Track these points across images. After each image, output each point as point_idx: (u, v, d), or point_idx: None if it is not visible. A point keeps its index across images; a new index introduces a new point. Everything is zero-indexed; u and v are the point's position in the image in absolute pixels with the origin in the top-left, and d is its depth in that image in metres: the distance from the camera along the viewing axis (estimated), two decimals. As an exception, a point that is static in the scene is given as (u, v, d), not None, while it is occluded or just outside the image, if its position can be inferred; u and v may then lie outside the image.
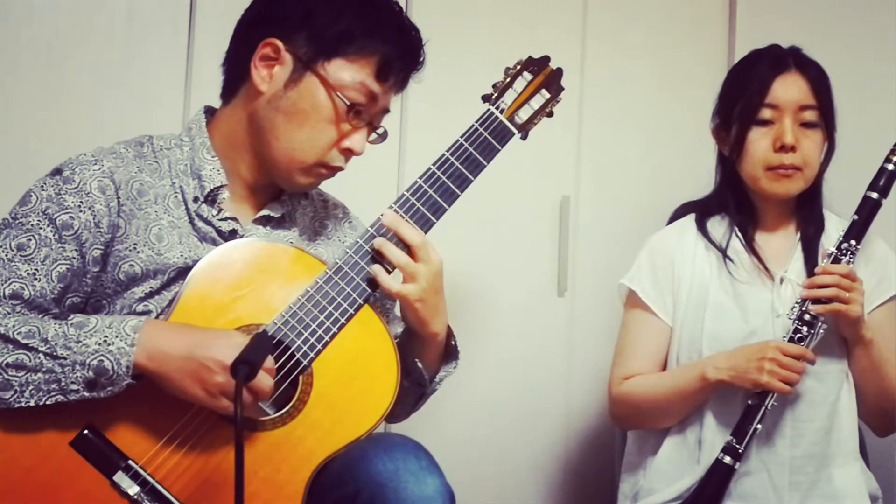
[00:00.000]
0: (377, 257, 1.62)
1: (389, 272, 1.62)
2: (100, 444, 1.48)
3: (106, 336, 1.44)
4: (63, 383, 1.44)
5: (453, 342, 1.75)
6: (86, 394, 1.44)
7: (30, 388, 1.44)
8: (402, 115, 2.37)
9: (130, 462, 1.48)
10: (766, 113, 1.98)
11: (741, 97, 2.00)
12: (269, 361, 1.49)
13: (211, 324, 1.54)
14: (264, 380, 1.46)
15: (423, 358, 1.70)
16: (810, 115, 1.98)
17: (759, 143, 1.98)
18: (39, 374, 1.44)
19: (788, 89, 1.98)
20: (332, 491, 1.53)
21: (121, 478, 1.48)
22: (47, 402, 1.44)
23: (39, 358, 1.44)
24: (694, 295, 2.03)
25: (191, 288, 1.56)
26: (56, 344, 1.44)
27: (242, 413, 1.38)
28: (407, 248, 1.62)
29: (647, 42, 2.66)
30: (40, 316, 1.51)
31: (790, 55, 2.02)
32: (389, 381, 1.59)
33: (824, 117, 2.00)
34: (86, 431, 1.48)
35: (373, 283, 1.61)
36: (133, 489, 1.47)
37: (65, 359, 1.43)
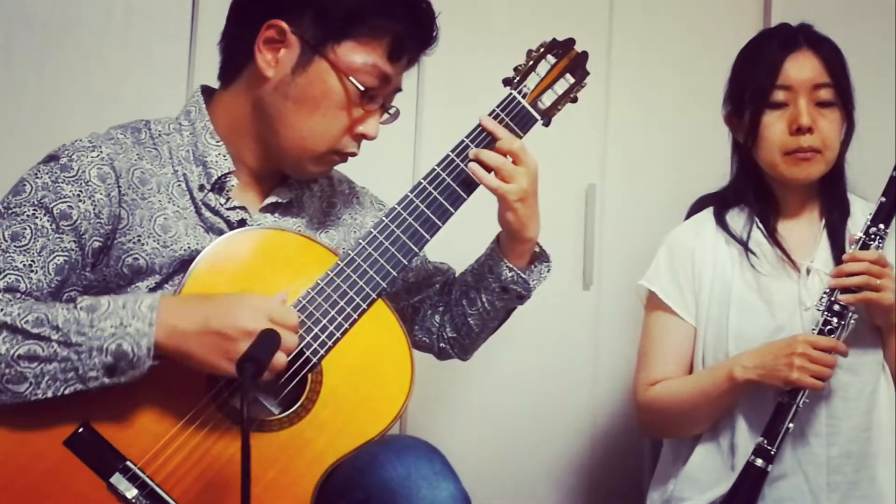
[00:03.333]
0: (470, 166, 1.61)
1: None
2: (96, 444, 1.43)
3: (122, 318, 1.38)
4: (81, 371, 1.37)
5: (538, 247, 1.76)
6: (105, 380, 1.38)
7: (45, 378, 1.37)
8: (419, 99, 2.33)
9: (129, 463, 1.43)
10: (779, 95, 1.91)
11: (752, 80, 1.94)
12: (293, 316, 1.44)
13: None
14: (291, 340, 1.43)
15: (517, 266, 1.70)
16: (826, 94, 1.92)
17: (773, 126, 1.92)
18: (55, 364, 1.37)
19: (801, 68, 1.91)
20: (342, 496, 1.48)
21: (118, 480, 1.42)
22: (66, 392, 1.38)
23: (53, 346, 1.37)
24: (716, 292, 1.97)
25: (193, 279, 1.50)
26: (69, 330, 1.37)
27: (250, 413, 1.32)
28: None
29: (677, 25, 2.61)
30: (46, 301, 1.44)
31: (800, 33, 1.95)
32: (403, 381, 1.54)
33: (840, 95, 1.93)
34: (81, 430, 1.42)
35: (397, 264, 1.56)
36: (131, 492, 1.42)
37: (80, 345, 1.37)
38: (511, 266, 1.70)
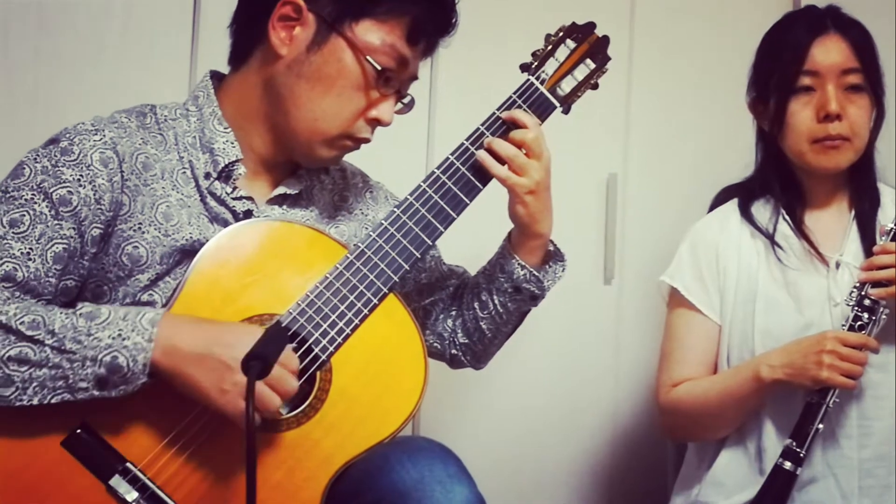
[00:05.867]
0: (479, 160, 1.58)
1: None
2: (95, 445, 1.39)
3: (121, 329, 1.35)
4: (71, 380, 1.34)
5: (553, 246, 1.72)
6: (95, 392, 1.35)
7: (33, 384, 1.34)
8: (433, 84, 2.30)
9: (129, 465, 1.39)
10: (805, 80, 1.88)
11: (777, 66, 1.91)
12: (293, 361, 1.40)
13: (219, 313, 1.45)
14: (288, 381, 1.38)
15: (529, 264, 1.66)
16: (854, 79, 1.88)
17: (800, 114, 1.88)
18: (45, 370, 1.34)
19: (829, 53, 1.87)
20: (352, 500, 1.44)
21: (118, 482, 1.38)
22: (52, 401, 1.34)
23: (45, 351, 1.34)
24: (742, 288, 1.94)
25: (197, 272, 1.46)
26: (65, 336, 1.34)
27: (254, 415, 1.30)
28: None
29: (701, 9, 2.59)
30: (42, 303, 1.40)
31: (827, 16, 1.92)
32: (416, 379, 1.50)
33: (870, 80, 1.89)
34: (79, 430, 1.38)
35: (410, 257, 1.52)
36: (131, 495, 1.38)
37: (74, 353, 1.34)
38: (523, 263, 1.66)
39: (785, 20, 1.99)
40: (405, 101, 1.61)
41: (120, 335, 1.34)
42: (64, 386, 1.34)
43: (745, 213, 1.97)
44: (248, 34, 1.57)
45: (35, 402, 1.33)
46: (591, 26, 1.69)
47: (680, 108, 2.54)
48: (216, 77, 1.62)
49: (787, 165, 1.95)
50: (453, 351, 1.78)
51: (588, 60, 1.68)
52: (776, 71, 1.91)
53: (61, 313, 1.36)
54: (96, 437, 1.38)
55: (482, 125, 1.60)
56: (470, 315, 1.74)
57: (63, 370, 1.33)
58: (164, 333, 1.35)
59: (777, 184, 1.96)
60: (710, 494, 1.90)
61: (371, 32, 1.52)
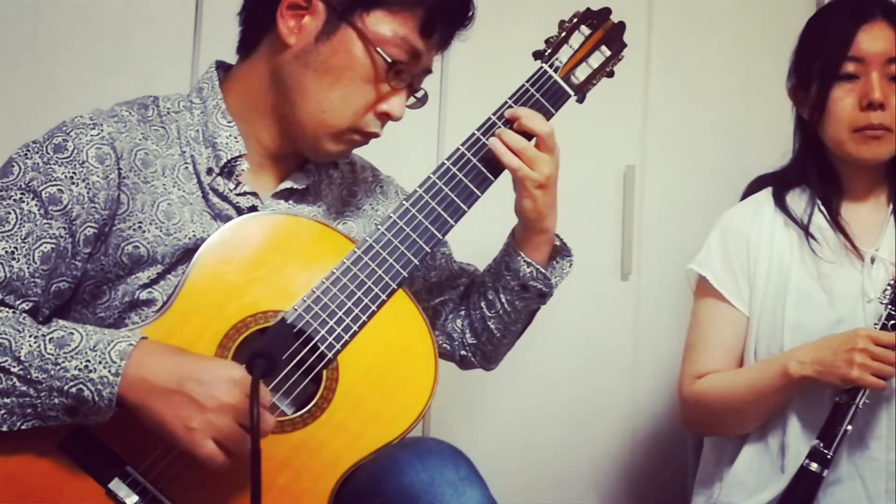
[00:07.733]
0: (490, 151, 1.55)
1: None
2: (94, 448, 1.35)
3: (88, 361, 1.31)
4: (40, 409, 1.31)
5: (559, 241, 1.69)
6: (66, 420, 1.32)
7: (2, 412, 1.31)
8: (443, 73, 2.28)
9: (128, 468, 1.36)
10: (849, 67, 1.85)
11: (821, 51, 1.89)
12: (266, 395, 1.34)
13: (222, 309, 1.42)
14: (266, 419, 1.32)
15: (535, 260, 1.64)
16: None
17: (843, 101, 1.86)
18: (12, 398, 1.31)
19: (875, 40, 1.85)
20: (359, 503, 1.40)
21: (117, 486, 1.35)
22: (23, 427, 1.32)
23: (12, 380, 1.31)
24: (773, 279, 1.90)
25: (199, 267, 1.43)
26: (30, 365, 1.31)
27: (258, 417, 1.27)
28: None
29: None
30: (18, 318, 1.36)
31: (875, 3, 1.89)
32: (426, 378, 1.47)
33: None
34: (78, 432, 1.35)
35: (419, 251, 1.49)
36: (131, 498, 1.35)
37: (41, 383, 1.30)
38: (529, 261, 1.62)
39: (830, 6, 1.97)
40: (418, 95, 1.58)
41: (87, 367, 1.30)
42: (33, 413, 1.32)
43: (780, 203, 1.95)
44: (257, 22, 1.55)
45: (4, 428, 1.31)
46: (606, 12, 1.65)
47: (699, 99, 2.51)
48: (222, 67, 1.59)
49: (826, 155, 1.93)
50: (462, 352, 1.75)
51: (603, 47, 1.65)
52: (819, 57, 1.89)
53: (31, 336, 1.33)
54: (95, 440, 1.35)
55: (494, 115, 1.57)
56: (477, 315, 1.70)
57: (31, 399, 1.31)
58: (134, 365, 1.31)
59: (814, 173, 1.93)
60: (731, 494, 1.86)
61: (382, 23, 1.48)
